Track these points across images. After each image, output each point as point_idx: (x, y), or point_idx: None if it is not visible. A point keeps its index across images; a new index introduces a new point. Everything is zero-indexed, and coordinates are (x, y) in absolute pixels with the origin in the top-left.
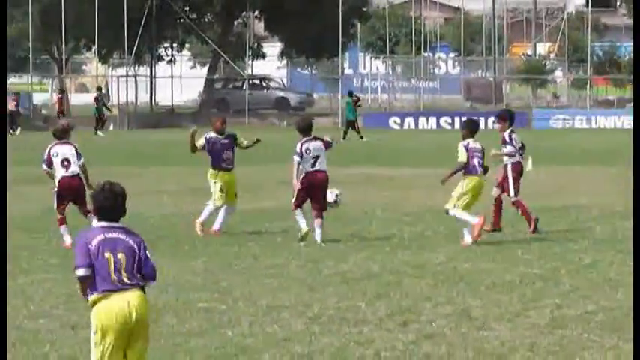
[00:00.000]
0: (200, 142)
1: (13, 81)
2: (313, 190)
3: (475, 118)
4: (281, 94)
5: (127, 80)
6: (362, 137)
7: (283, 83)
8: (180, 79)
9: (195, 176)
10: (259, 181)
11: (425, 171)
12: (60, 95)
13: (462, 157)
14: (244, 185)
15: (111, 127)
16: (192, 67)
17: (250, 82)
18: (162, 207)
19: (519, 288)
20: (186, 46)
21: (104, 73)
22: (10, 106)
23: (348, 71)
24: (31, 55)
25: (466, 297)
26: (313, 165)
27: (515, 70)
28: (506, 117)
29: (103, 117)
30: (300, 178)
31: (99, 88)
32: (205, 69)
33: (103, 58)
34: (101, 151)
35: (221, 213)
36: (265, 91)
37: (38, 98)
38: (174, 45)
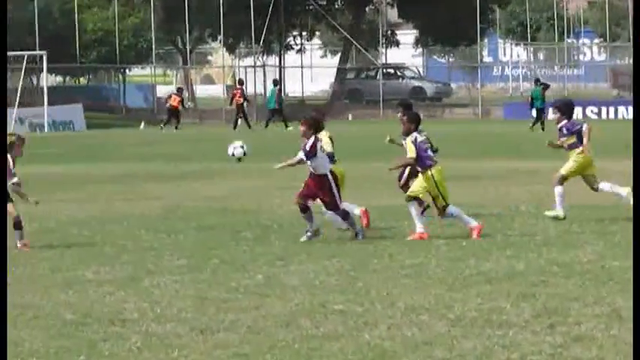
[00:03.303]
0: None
1: (136, 72)
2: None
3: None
4: (417, 83)
5: (254, 71)
6: (542, 129)
7: (419, 72)
8: (310, 69)
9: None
10: (395, 176)
11: None
12: (239, 87)
13: (412, 152)
14: (380, 180)
15: (238, 121)
16: (322, 57)
17: (384, 71)
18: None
19: None
20: (317, 34)
21: (231, 64)
22: (174, 102)
23: (487, 59)
24: (153, 46)
25: (616, 297)
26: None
27: None
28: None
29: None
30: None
31: (275, 82)
32: (337, 58)
33: (230, 48)
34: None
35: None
36: (400, 80)
37: (162, 91)
38: (304, 33)
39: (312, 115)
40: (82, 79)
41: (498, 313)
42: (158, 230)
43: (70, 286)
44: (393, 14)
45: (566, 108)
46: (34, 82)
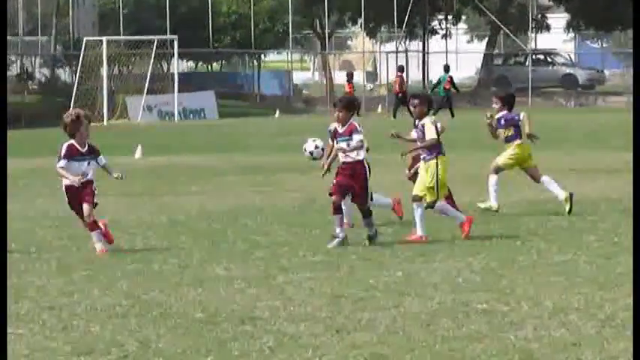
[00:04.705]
0: None
1: (272, 58)
2: None
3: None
4: (568, 70)
5: (396, 56)
6: None
7: (570, 58)
8: (455, 54)
9: (472, 164)
10: (545, 168)
11: None
12: (400, 74)
13: (433, 133)
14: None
15: (379, 109)
16: (468, 42)
17: (534, 57)
18: None
19: None
20: (463, 18)
21: (371, 49)
22: (347, 89)
23: None
24: (290, 30)
25: None
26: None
27: None
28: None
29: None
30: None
31: (447, 68)
32: (483, 43)
33: (371, 32)
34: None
35: None
36: (550, 67)
37: (299, 77)
38: (449, 17)
39: (346, 97)
40: (214, 64)
41: None
42: (293, 224)
43: (199, 283)
44: None
45: (507, 99)
46: (164, 67)
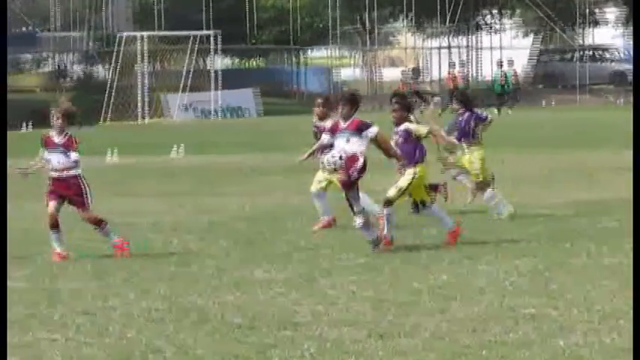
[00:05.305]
0: None
1: (316, 54)
2: None
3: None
4: (619, 67)
5: (439, 52)
6: None
7: (621, 54)
8: (499, 49)
9: (519, 163)
10: (594, 168)
11: None
12: (455, 69)
13: (423, 127)
14: (578, 172)
15: (431, 105)
16: (514, 37)
17: (584, 53)
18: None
19: None
20: (508, 12)
21: (417, 45)
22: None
23: None
24: (330, 26)
25: None
26: None
27: None
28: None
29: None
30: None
31: (500, 64)
32: (531, 39)
33: (416, 28)
34: None
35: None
36: (600, 63)
37: (343, 74)
38: (497, 12)
39: (349, 92)
40: (252, 60)
41: None
42: (334, 226)
43: (237, 286)
44: None
45: (463, 99)
46: (203, 64)
